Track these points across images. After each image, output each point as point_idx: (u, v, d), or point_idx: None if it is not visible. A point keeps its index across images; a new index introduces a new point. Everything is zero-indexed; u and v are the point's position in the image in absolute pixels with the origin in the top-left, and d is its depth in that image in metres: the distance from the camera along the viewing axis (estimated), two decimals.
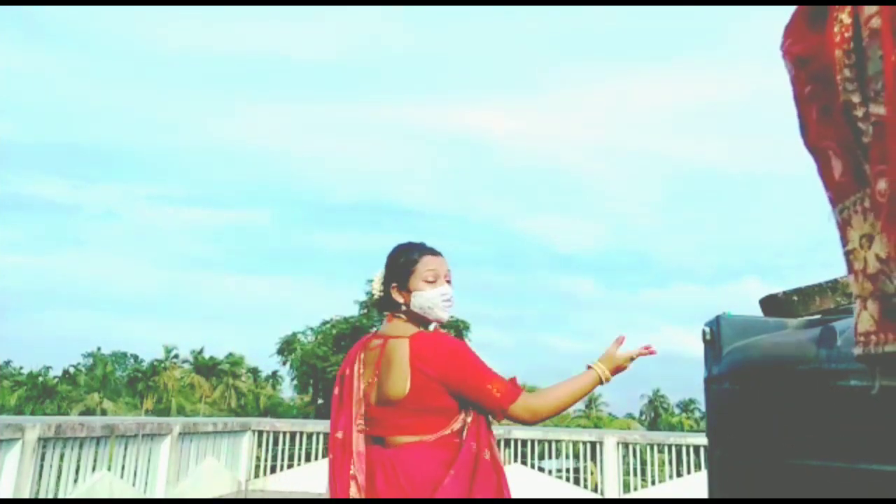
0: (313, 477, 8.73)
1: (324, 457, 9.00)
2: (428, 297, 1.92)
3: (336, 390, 1.96)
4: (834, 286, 1.87)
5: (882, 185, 0.71)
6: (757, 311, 2.04)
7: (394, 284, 1.96)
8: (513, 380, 1.89)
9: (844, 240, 0.82)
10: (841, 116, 0.79)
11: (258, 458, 9.06)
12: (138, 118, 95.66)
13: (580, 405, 52.56)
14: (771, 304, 1.97)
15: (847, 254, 0.82)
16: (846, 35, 0.78)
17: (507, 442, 9.00)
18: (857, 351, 0.83)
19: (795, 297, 1.90)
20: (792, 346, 1.66)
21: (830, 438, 1.51)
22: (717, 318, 1.94)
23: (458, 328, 28.12)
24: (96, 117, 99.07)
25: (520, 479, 8.60)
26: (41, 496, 5.29)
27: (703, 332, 1.98)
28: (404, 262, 1.96)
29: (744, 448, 1.73)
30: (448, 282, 1.97)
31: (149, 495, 6.73)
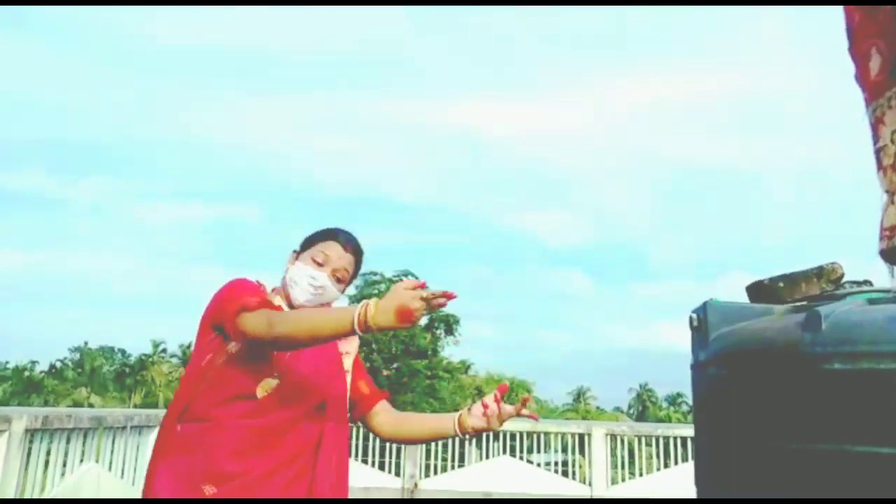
0: None
1: None
2: (298, 271, 1.75)
3: None
4: (819, 273, 1.89)
5: None
6: (744, 298, 2.06)
7: (295, 250, 1.84)
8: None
9: (876, 137, 0.83)
10: (888, 17, 0.78)
11: None
12: (127, 113, 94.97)
13: (568, 398, 52.72)
14: (757, 291, 1.99)
15: (877, 151, 0.82)
16: None
17: (496, 435, 9.04)
18: (882, 246, 0.83)
19: (781, 284, 1.92)
20: (777, 331, 1.68)
21: (815, 421, 1.53)
22: (704, 305, 1.96)
23: (448, 322, 28.12)
24: (84, 112, 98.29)
25: (509, 472, 8.63)
26: (28, 489, 5.26)
27: (691, 319, 1.99)
28: (314, 235, 1.85)
29: (730, 432, 1.75)
30: (339, 279, 1.78)
31: (137, 487, 6.71)
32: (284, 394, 1.67)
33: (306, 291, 1.74)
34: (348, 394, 1.83)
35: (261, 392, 1.64)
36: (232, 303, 1.61)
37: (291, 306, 1.77)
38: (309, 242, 1.84)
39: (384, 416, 1.92)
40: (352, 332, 1.46)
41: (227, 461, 1.59)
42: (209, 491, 1.59)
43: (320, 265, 1.77)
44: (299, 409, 1.69)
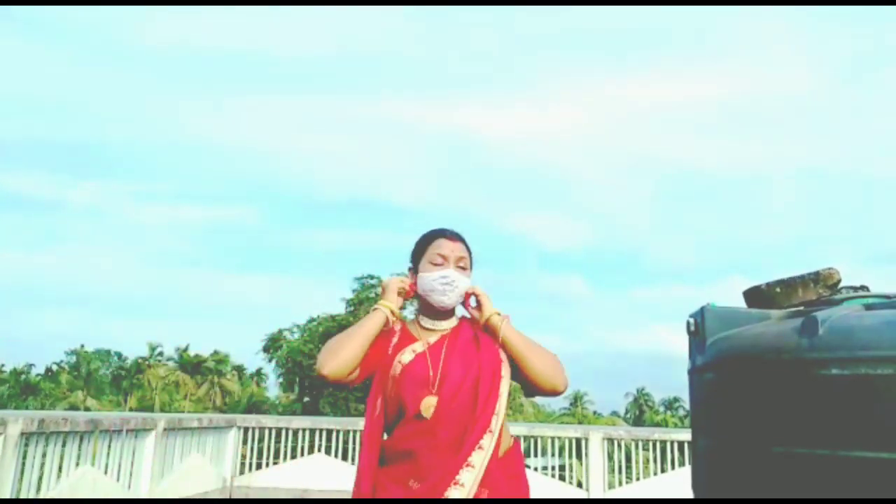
0: (299, 474, 8.70)
1: (310, 453, 8.98)
2: (427, 280, 1.85)
3: None
4: (816, 278, 1.89)
5: None
6: (741, 303, 2.06)
7: (410, 267, 1.95)
8: None
9: None
10: None
11: (243, 455, 9.01)
12: (124, 114, 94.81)
13: (565, 402, 52.73)
14: (754, 296, 1.99)
15: None
16: None
17: None
18: None
19: (778, 289, 1.92)
20: (774, 336, 1.69)
21: (812, 426, 1.53)
22: (702, 310, 1.96)
23: None
24: (82, 113, 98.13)
25: None
26: (23, 492, 5.24)
27: (688, 324, 2.00)
28: (419, 243, 1.94)
29: (727, 436, 1.76)
30: (462, 268, 1.87)
31: (133, 491, 6.69)
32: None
33: (444, 293, 1.84)
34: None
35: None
36: None
37: (437, 314, 1.89)
38: (418, 253, 1.93)
39: None
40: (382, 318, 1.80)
41: None
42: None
43: (441, 265, 1.86)
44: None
